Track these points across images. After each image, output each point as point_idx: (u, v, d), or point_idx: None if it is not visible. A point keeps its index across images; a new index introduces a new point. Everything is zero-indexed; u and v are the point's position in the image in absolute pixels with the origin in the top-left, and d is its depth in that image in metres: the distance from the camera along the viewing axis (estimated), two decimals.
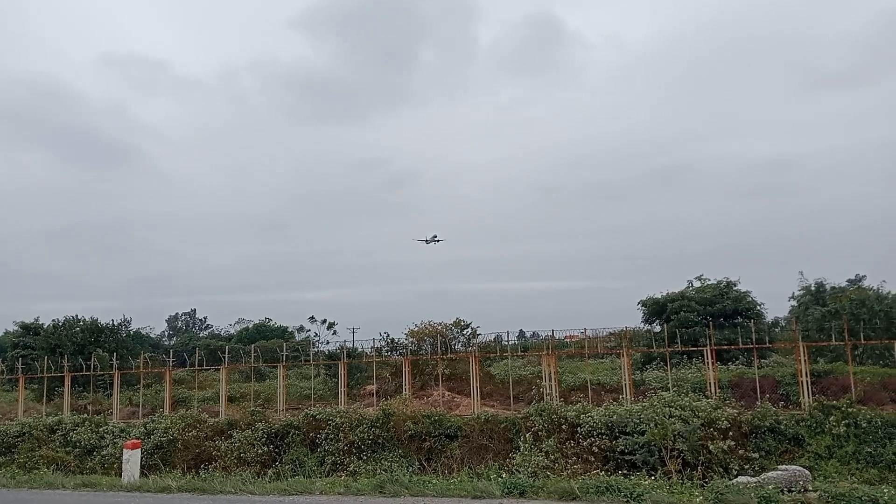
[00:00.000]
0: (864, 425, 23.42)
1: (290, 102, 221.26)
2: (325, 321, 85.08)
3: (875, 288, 43.38)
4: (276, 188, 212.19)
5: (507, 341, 38.84)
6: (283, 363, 37.84)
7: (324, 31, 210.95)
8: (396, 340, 43.09)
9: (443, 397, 34.42)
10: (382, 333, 43.85)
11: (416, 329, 42.31)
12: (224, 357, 39.07)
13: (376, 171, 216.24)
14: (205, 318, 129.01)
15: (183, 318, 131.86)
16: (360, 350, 40.43)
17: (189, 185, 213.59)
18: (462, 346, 42.48)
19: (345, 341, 46.16)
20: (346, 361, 35.75)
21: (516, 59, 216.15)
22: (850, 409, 23.97)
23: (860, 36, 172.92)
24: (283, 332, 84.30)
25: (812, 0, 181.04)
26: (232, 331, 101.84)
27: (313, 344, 53.95)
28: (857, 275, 48.53)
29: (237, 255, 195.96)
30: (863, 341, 31.85)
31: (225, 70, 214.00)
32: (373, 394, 36.60)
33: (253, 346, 45.49)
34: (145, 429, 30.87)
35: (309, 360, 40.69)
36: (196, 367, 39.72)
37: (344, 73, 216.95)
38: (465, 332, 43.11)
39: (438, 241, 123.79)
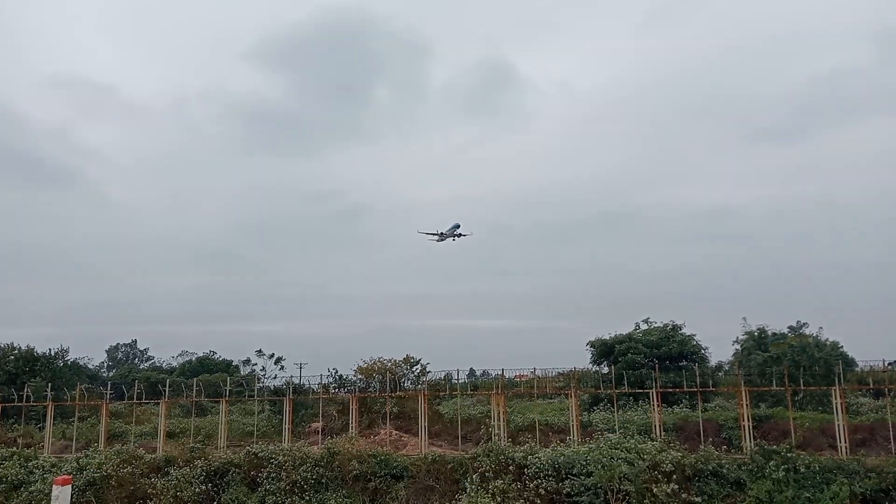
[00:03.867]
0: (802, 470, 23.88)
1: (241, 133, 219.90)
2: (272, 355, 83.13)
3: (814, 335, 44.72)
4: (224, 218, 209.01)
5: (457, 380, 38.61)
6: (226, 398, 36.85)
7: (276, 64, 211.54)
8: (345, 377, 42.46)
9: (390, 436, 33.91)
10: (330, 369, 43.18)
11: (366, 365, 41.77)
12: (164, 390, 37.86)
13: (328, 204, 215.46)
14: (146, 349, 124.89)
15: (123, 348, 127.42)
16: (306, 386, 39.74)
17: (134, 211, 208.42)
18: (411, 383, 42.05)
19: (291, 377, 45.29)
20: (292, 397, 35.01)
21: (469, 101, 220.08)
22: (789, 454, 24.44)
23: (795, 96, 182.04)
24: (227, 366, 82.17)
25: (753, 61, 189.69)
26: (174, 363, 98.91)
27: (259, 379, 52.62)
28: (798, 322, 49.96)
29: (182, 285, 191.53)
30: (802, 387, 32.72)
31: (175, 97, 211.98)
32: (318, 431, 35.83)
33: (195, 379, 44.23)
34: (78, 464, 29.55)
35: (253, 396, 39.69)
36: (135, 401, 38.39)
37: (296, 105, 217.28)
38: (414, 369, 42.72)
39: (460, 235, 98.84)
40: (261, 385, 47.63)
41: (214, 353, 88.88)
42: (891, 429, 28.69)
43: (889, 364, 44.11)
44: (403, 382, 41.38)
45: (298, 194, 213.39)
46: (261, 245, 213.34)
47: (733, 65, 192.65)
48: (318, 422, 37.64)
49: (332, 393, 40.53)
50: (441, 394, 39.27)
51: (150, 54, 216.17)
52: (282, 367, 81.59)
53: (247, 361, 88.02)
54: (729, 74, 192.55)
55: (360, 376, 41.41)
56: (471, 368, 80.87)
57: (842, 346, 43.57)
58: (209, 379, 53.41)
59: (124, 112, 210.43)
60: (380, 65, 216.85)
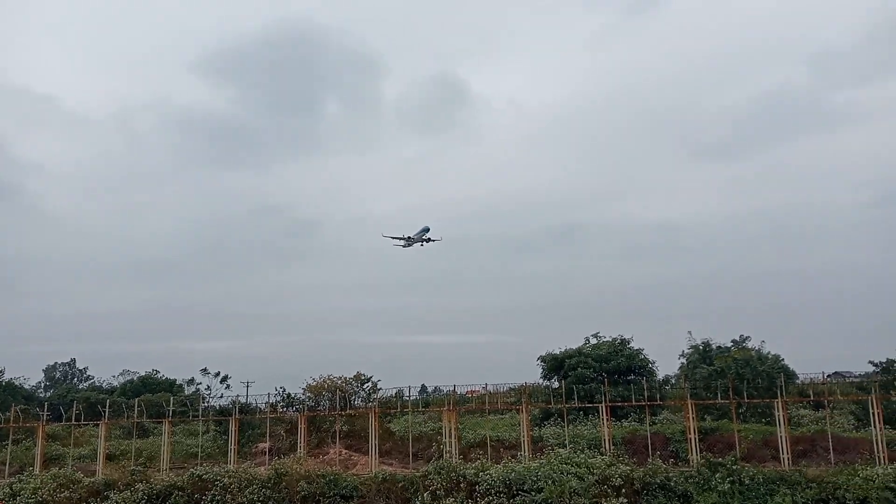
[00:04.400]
0: (747, 482, 24.40)
1: (188, 145, 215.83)
2: (218, 374, 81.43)
3: (757, 349, 45.85)
4: (169, 232, 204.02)
5: (409, 396, 38.36)
6: (170, 418, 35.81)
7: (225, 76, 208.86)
8: (293, 395, 41.75)
9: (340, 455, 33.39)
10: (279, 388, 42.43)
11: (315, 383, 41.19)
12: (104, 411, 36.50)
13: (277, 218, 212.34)
14: (85, 368, 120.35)
15: (61, 368, 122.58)
16: (253, 405, 38.84)
17: (74, 225, 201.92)
18: (362, 401, 41.66)
19: (238, 396, 44.27)
20: (239, 417, 34.21)
21: (421, 116, 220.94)
22: (734, 467, 24.94)
23: (736, 113, 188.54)
24: (171, 386, 79.87)
25: (697, 79, 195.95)
26: (115, 383, 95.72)
27: (204, 398, 51.36)
28: (741, 335, 50.93)
29: (124, 301, 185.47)
30: (746, 400, 33.48)
31: (120, 109, 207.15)
32: (265, 452, 35.05)
33: (137, 399, 42.81)
34: (11, 489, 28.32)
35: (198, 416, 38.64)
36: (73, 422, 36.96)
37: (245, 118, 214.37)
38: (365, 386, 42.30)
39: (429, 240, 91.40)
40: (206, 405, 46.47)
41: (157, 371, 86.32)
42: (830, 440, 29.56)
43: (828, 376, 45.62)
44: (354, 400, 40.93)
45: (247, 208, 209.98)
46: (207, 260, 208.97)
47: (678, 83, 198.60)
48: (266, 442, 36.81)
49: (281, 412, 39.78)
50: (392, 411, 38.89)
51: (94, 65, 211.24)
52: (228, 386, 79.90)
53: (191, 381, 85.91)
54: (673, 92, 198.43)
55: (309, 394, 40.78)
56: (422, 385, 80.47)
57: (783, 360, 44.75)
58: (151, 399, 51.87)
59: (66, 124, 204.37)
60: (332, 79, 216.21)
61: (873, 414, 28.72)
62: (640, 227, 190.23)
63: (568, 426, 35.03)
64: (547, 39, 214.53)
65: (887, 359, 41.45)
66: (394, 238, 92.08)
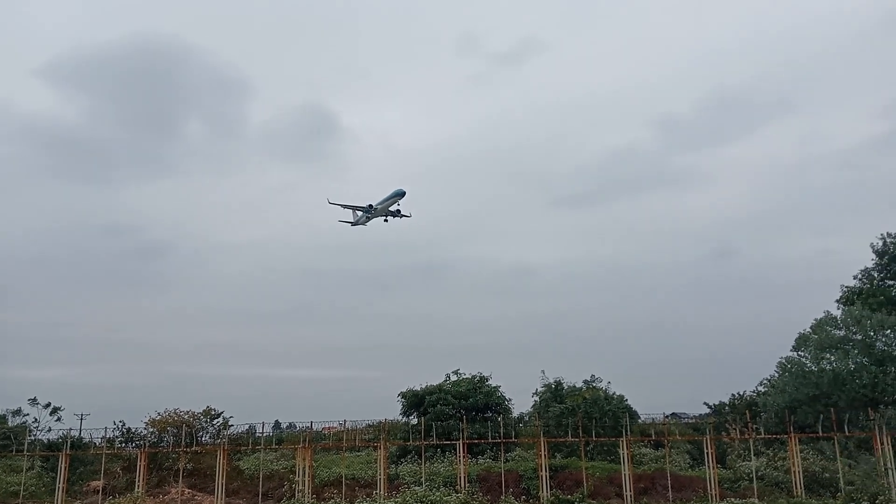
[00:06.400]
0: None
1: (27, 155, 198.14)
2: (48, 404, 74.01)
3: (604, 388, 48.28)
4: None
5: (262, 433, 36.79)
6: None
7: (73, 85, 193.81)
8: (134, 430, 38.83)
9: (182, 495, 31.29)
10: (117, 422, 39.27)
11: (159, 418, 38.66)
12: None
13: (124, 240, 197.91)
14: None
15: None
16: (87, 440, 35.71)
17: None
18: (211, 437, 39.57)
19: (70, 429, 40.59)
20: (69, 453, 31.35)
21: (288, 145, 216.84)
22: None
23: (592, 167, 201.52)
24: None
25: (556, 133, 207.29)
26: None
27: (31, 431, 46.50)
28: (592, 375, 53.38)
29: None
30: (594, 438, 35.03)
31: None
32: (98, 491, 32.18)
33: None
34: None
35: (23, 450, 34.91)
36: None
37: (97, 132, 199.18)
38: (215, 422, 40.29)
39: (399, 213, 70.74)
40: (32, 438, 42.20)
41: None
42: (669, 478, 31.46)
43: (667, 417, 48.77)
44: (202, 436, 38.83)
45: (90, 226, 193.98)
46: (41, 280, 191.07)
47: (540, 134, 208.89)
48: (100, 480, 33.84)
49: (118, 448, 36.81)
50: (243, 448, 37.12)
51: None
52: (59, 419, 72.86)
53: (17, 412, 77.57)
54: (536, 143, 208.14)
55: (152, 429, 38.13)
56: (276, 421, 77.51)
57: (626, 400, 47.39)
58: None
59: None
60: (194, 98, 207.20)
61: (707, 453, 30.97)
62: (502, 268, 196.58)
63: (425, 463, 34.96)
64: (420, 82, 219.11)
65: (719, 401, 45.07)
66: (346, 207, 71.06)
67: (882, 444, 29.79)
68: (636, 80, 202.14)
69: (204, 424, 39.73)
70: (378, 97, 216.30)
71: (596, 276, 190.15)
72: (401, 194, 69.91)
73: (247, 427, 39.49)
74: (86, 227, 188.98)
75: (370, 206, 70.24)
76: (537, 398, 54.31)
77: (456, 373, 51.12)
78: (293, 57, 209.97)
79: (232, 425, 38.87)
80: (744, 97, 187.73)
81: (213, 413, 40.31)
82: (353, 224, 74.97)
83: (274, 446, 42.33)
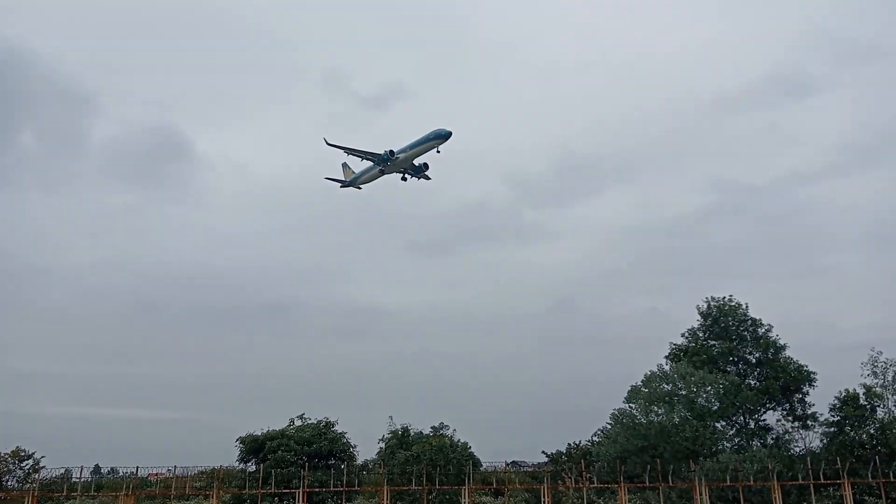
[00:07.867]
0: None
1: None
2: None
3: (450, 436, 48.71)
4: None
5: (79, 477, 33.58)
6: None
7: None
8: None
9: None
10: None
11: None
12: None
13: None
14: None
15: None
16: None
17: None
18: (18, 481, 35.81)
19: None
20: None
21: (134, 166, 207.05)
22: None
23: (447, 217, 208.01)
24: None
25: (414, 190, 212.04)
26: None
27: None
28: (440, 423, 53.65)
29: None
30: (437, 486, 35.05)
31: None
32: None
33: None
34: None
35: None
36: None
37: None
38: (24, 464, 36.51)
39: (423, 174, 62.39)
40: None
41: None
42: None
43: (508, 464, 49.96)
44: (8, 480, 35.04)
45: None
46: None
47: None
48: None
49: None
50: (56, 494, 33.62)
51: None
52: None
53: None
54: (394, 191, 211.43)
55: None
56: (96, 465, 71.35)
57: (470, 448, 48.07)
58: None
59: None
60: (31, 109, 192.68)
61: (544, 502, 31.89)
62: (355, 310, 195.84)
63: None
64: (283, 114, 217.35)
65: (556, 450, 46.85)
66: (350, 151, 59.45)
67: (700, 494, 32.18)
68: (493, 136, 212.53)
69: (11, 467, 35.91)
70: (237, 126, 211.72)
71: (450, 322, 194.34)
72: (445, 136, 56.83)
73: (62, 471, 36.00)
74: None
75: (390, 152, 59.02)
76: (383, 444, 53.85)
77: (301, 417, 49.78)
78: (145, 76, 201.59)
79: (44, 467, 35.48)
80: (588, 164, 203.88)
81: (22, 455, 36.51)
82: (344, 184, 62.33)
83: (93, 493, 38.86)
